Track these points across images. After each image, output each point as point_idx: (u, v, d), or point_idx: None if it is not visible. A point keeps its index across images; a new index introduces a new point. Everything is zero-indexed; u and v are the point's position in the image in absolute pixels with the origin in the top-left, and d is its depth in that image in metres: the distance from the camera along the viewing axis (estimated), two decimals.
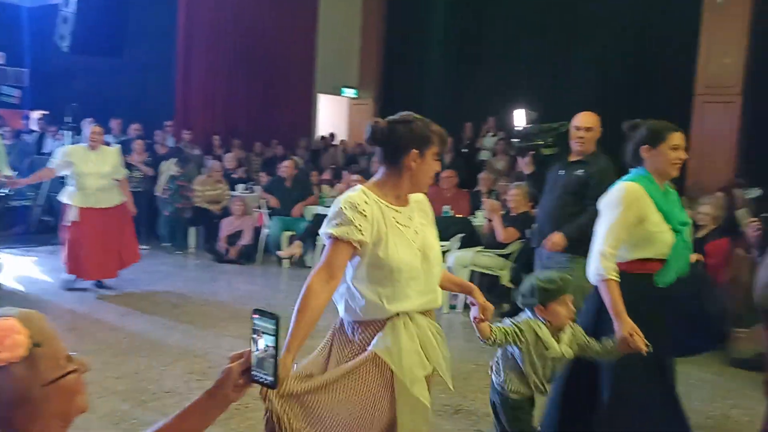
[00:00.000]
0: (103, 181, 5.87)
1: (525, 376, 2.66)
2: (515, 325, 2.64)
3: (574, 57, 10.56)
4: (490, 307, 2.41)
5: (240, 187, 8.83)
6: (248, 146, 10.64)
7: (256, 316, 1.33)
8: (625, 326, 2.56)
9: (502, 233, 5.96)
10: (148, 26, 10.58)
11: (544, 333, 2.61)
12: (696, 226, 5.21)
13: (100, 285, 6.16)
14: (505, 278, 5.98)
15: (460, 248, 6.08)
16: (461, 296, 6.00)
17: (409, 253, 2.06)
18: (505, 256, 6.04)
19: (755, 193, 5.66)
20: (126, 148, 8.57)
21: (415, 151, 2.05)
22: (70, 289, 6.08)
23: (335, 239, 1.98)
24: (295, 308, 1.96)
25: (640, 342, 2.53)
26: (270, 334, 1.31)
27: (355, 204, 1.99)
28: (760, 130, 8.92)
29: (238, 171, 9.40)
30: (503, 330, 2.60)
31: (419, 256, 2.09)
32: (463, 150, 10.53)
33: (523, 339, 2.61)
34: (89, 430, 3.13)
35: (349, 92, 13.04)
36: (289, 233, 7.72)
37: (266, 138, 10.88)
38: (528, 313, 2.69)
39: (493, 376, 2.79)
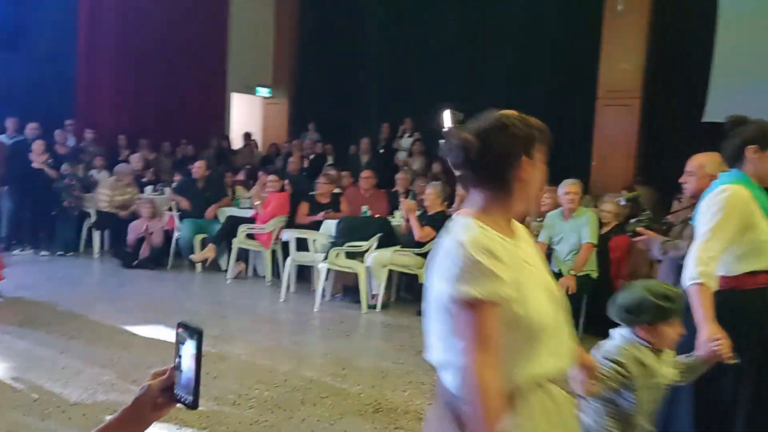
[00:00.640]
0: None
1: (632, 421, 2.13)
2: (615, 363, 2.10)
3: (486, 60, 10.85)
4: (596, 365, 1.99)
5: (149, 188, 8.48)
6: (157, 146, 10.23)
7: (180, 329, 1.22)
8: (710, 331, 2.26)
9: (419, 232, 6.04)
10: (46, 17, 9.91)
11: (649, 358, 2.14)
12: (600, 224, 5.48)
13: None
14: (423, 277, 6.04)
15: (378, 248, 6.09)
16: (380, 294, 6.02)
17: (547, 301, 1.57)
18: (423, 255, 6.11)
19: (627, 195, 6.01)
20: (22, 149, 8.05)
21: (524, 158, 1.56)
22: None
23: (480, 303, 1.43)
24: (472, 417, 1.43)
25: (727, 349, 2.23)
26: (192, 350, 1.21)
27: (485, 246, 1.47)
28: (657, 132, 9.50)
29: (147, 173, 9.03)
30: (608, 377, 2.07)
31: (553, 302, 1.60)
32: (380, 150, 10.60)
33: (628, 375, 2.09)
34: None
35: (263, 91, 12.82)
36: (202, 236, 7.48)
37: (176, 138, 10.50)
38: (624, 331, 2.21)
39: (582, 416, 2.12)
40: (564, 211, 5.29)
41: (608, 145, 9.72)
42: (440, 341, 1.54)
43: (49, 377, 4.03)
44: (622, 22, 9.54)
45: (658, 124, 9.51)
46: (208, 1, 11.37)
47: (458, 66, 11.03)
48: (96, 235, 8.04)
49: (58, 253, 7.90)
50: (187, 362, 1.20)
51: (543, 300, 1.55)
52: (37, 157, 7.87)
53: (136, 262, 7.41)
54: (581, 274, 5.13)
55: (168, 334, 4.94)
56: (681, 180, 3.18)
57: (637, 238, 3.59)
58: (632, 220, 3.46)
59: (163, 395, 1.22)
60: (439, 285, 1.50)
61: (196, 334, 1.20)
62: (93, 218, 8.04)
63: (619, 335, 2.21)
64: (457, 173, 1.64)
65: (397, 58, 11.57)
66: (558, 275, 5.16)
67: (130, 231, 7.55)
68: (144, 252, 7.47)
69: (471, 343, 1.42)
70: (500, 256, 1.47)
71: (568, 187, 5.22)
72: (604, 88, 9.79)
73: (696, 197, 3.03)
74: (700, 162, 3.05)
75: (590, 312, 5.37)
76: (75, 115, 9.77)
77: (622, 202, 5.69)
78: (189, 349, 1.20)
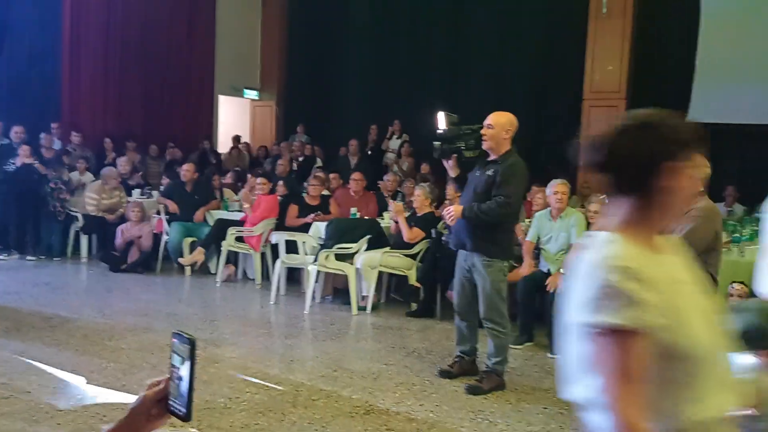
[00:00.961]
0: None
1: None
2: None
3: (472, 61, 10.91)
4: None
5: (136, 192, 8.42)
6: (144, 149, 10.17)
7: (175, 339, 1.20)
8: None
9: (407, 233, 6.06)
10: (29, 18, 9.81)
11: None
12: (588, 224, 5.52)
13: None
14: (413, 278, 6.07)
15: (368, 249, 6.10)
16: (370, 296, 6.03)
17: (706, 326, 1.35)
18: (412, 257, 6.13)
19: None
20: (7, 152, 7.97)
21: (670, 163, 1.34)
22: None
23: (622, 332, 1.24)
24: None
25: None
26: (186, 359, 1.18)
27: (629, 266, 1.28)
28: None
29: (134, 176, 8.97)
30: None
31: (712, 325, 1.38)
32: (368, 152, 10.61)
33: None
34: None
35: (251, 94, 12.79)
36: (191, 239, 7.45)
37: (163, 141, 10.45)
38: (747, 358, 1.99)
39: None
40: (552, 211, 5.33)
41: None
42: (581, 376, 1.33)
43: (38, 383, 4.00)
44: (606, 24, 9.63)
45: None
46: (194, 3, 11.33)
47: (445, 67, 11.08)
48: (83, 240, 7.99)
49: (44, 257, 7.83)
50: (181, 372, 1.18)
51: (701, 325, 1.33)
52: (24, 161, 7.78)
53: (124, 266, 7.36)
54: None
55: (157, 340, 4.93)
56: None
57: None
58: None
59: (158, 406, 1.20)
60: (576, 311, 1.31)
61: (190, 343, 1.17)
62: (80, 222, 7.98)
63: (744, 363, 1.93)
64: (595, 176, 1.44)
65: (383, 59, 11.60)
66: (548, 275, 5.20)
67: (118, 235, 7.50)
68: (132, 256, 7.43)
69: (612, 378, 1.24)
70: (648, 277, 1.27)
71: (557, 186, 5.26)
72: (590, 89, 9.87)
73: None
74: None
75: None
76: (60, 118, 9.69)
77: (607, 201, 5.73)
78: (182, 358, 1.18)
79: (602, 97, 9.76)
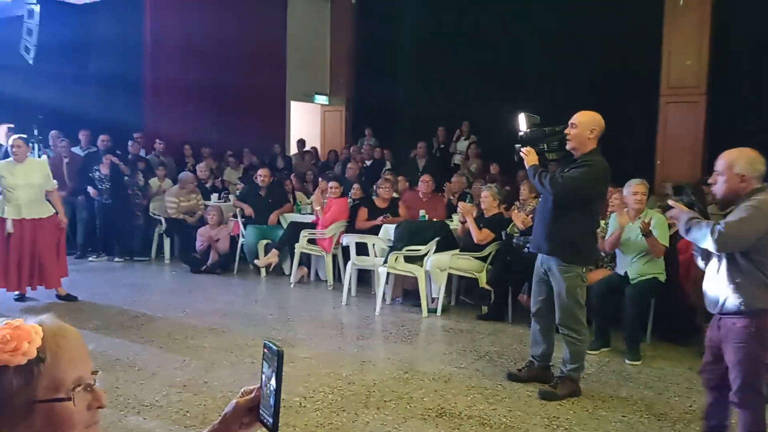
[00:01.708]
0: (32, 193, 5.89)
1: None
2: None
3: (543, 60, 10.71)
4: None
5: (214, 196, 8.77)
6: (221, 155, 10.56)
7: (266, 349, 1.22)
8: None
9: (477, 235, 6.03)
10: (113, 35, 10.41)
11: None
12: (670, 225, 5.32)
13: (20, 298, 6.08)
14: (483, 280, 6.02)
15: (437, 251, 6.11)
16: (440, 298, 6.04)
17: None
18: (483, 259, 6.09)
19: (677, 183, 5.84)
20: (94, 160, 8.47)
21: None
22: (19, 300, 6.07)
23: None
24: None
25: None
26: (274, 371, 1.20)
27: None
28: (724, 129, 9.16)
29: (212, 181, 9.33)
30: None
31: None
32: (436, 154, 10.62)
33: None
34: None
35: (321, 99, 13.03)
36: (266, 242, 7.68)
37: (239, 147, 10.81)
38: None
39: None
40: (630, 212, 5.15)
41: (673, 144, 9.45)
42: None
43: (125, 379, 4.23)
44: (683, 17, 9.26)
45: (725, 120, 9.17)
46: (266, 13, 11.66)
47: (513, 67, 10.93)
48: (166, 242, 8.38)
49: (130, 259, 8.27)
50: (271, 382, 1.20)
51: None
52: (107, 170, 8.24)
53: (204, 267, 7.67)
54: (649, 277, 5.00)
55: (236, 339, 5.12)
56: (709, 180, 3.04)
57: (668, 212, 3.52)
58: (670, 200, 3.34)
59: (249, 415, 1.24)
60: None
61: (277, 355, 1.19)
62: (163, 226, 8.38)
63: None
64: None
65: (450, 60, 11.56)
66: (624, 278, 5.05)
67: (198, 238, 7.84)
68: (211, 258, 7.73)
69: None
70: None
71: (636, 186, 5.09)
72: (667, 85, 9.53)
73: (726, 199, 2.89)
74: (729, 160, 2.88)
75: (658, 316, 5.24)
76: (143, 127, 10.20)
77: (669, 191, 5.53)
78: (272, 369, 1.20)
79: (680, 93, 9.40)
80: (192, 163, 9.78)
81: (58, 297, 6.12)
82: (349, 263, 6.51)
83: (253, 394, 1.25)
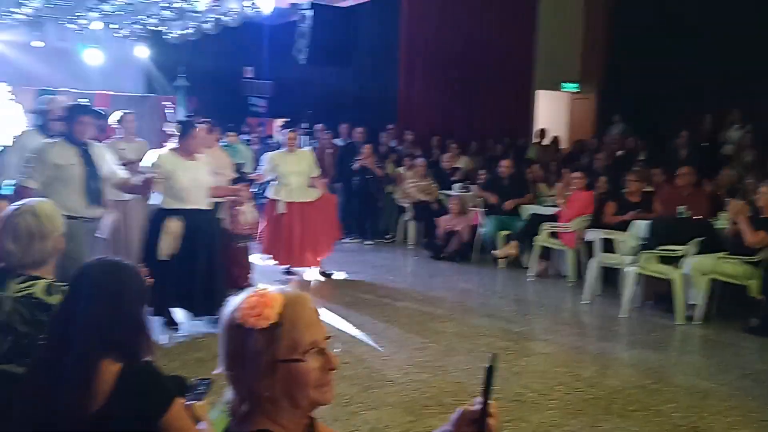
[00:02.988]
0: (301, 179, 6.55)
1: None
2: None
3: None
4: None
5: (457, 186, 8.97)
6: (465, 146, 10.75)
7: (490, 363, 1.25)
8: None
9: (750, 237, 5.27)
10: (373, 36, 11.22)
11: None
12: None
13: (288, 272, 6.71)
14: (754, 289, 5.25)
15: (698, 253, 5.48)
16: (699, 306, 5.41)
17: None
18: (755, 264, 5.31)
19: None
20: (352, 151, 9.25)
21: None
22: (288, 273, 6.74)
23: None
24: None
25: None
26: (484, 384, 1.22)
27: None
28: None
29: (457, 172, 9.53)
30: None
31: None
32: (702, 144, 9.50)
33: None
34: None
35: (570, 87, 12.53)
36: (506, 232, 7.64)
37: (483, 137, 10.89)
38: None
39: None
40: None
41: None
42: None
43: (370, 354, 4.54)
44: None
45: None
46: (517, 4, 11.51)
47: None
48: (410, 227, 8.83)
49: (379, 241, 8.90)
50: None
51: None
52: (367, 159, 8.93)
53: (443, 254, 7.91)
54: None
55: (473, 327, 5.19)
56: None
57: None
58: None
59: (473, 425, 1.24)
60: None
61: (488, 368, 1.21)
62: (410, 212, 8.84)
63: None
64: None
65: (720, 40, 10.21)
66: None
67: (440, 225, 8.11)
68: (452, 246, 7.93)
69: None
70: None
71: None
72: None
73: None
74: None
75: None
76: (396, 119, 10.83)
77: None
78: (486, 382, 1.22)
79: None
80: (438, 153, 10.11)
81: (320, 273, 6.79)
82: (593, 260, 6.16)
83: (477, 407, 1.25)
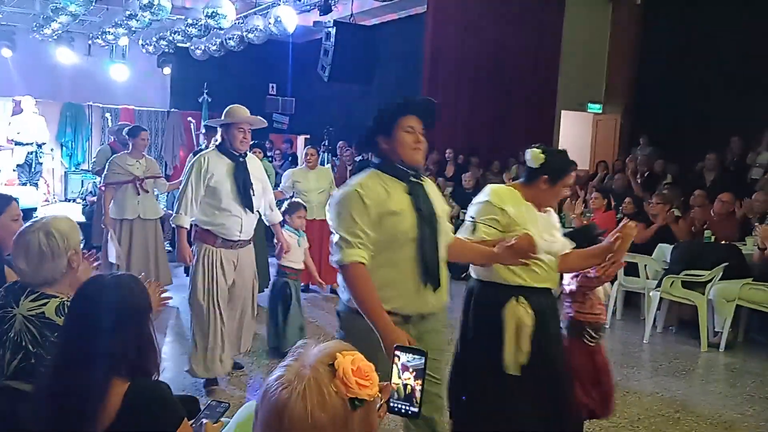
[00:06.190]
0: (321, 196, 6.49)
1: None
2: None
3: None
4: None
5: None
6: (488, 165, 10.68)
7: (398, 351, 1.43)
8: None
9: None
10: (396, 54, 11.25)
11: None
12: None
13: (305, 289, 6.65)
14: None
15: (723, 279, 5.34)
16: (724, 332, 5.26)
17: None
18: None
19: None
20: (366, 167, 9.21)
21: None
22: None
23: None
24: None
25: None
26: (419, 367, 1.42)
27: None
28: None
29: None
30: None
31: None
32: (730, 168, 9.32)
33: None
34: None
35: (594, 107, 12.42)
36: None
37: (506, 157, 10.82)
38: None
39: None
40: None
41: None
42: None
43: None
44: None
45: None
46: (541, 23, 11.47)
47: None
48: None
49: None
50: (409, 378, 1.39)
51: None
52: None
53: (464, 274, 7.80)
54: None
55: None
56: None
57: None
58: None
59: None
60: None
61: (422, 354, 1.41)
62: None
63: None
64: None
65: (752, 61, 10.07)
66: None
67: None
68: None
69: None
70: None
71: None
72: None
73: None
74: None
75: None
76: None
77: None
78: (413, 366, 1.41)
79: None
80: (453, 169, 10.06)
81: (331, 291, 6.72)
82: (616, 283, 6.03)
83: (384, 390, 1.30)
